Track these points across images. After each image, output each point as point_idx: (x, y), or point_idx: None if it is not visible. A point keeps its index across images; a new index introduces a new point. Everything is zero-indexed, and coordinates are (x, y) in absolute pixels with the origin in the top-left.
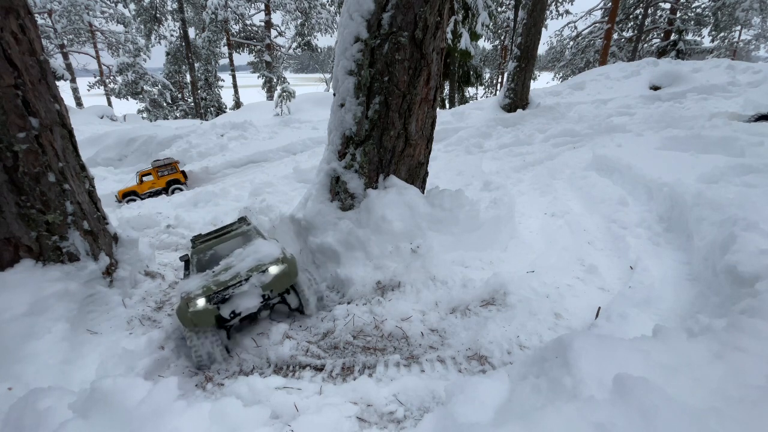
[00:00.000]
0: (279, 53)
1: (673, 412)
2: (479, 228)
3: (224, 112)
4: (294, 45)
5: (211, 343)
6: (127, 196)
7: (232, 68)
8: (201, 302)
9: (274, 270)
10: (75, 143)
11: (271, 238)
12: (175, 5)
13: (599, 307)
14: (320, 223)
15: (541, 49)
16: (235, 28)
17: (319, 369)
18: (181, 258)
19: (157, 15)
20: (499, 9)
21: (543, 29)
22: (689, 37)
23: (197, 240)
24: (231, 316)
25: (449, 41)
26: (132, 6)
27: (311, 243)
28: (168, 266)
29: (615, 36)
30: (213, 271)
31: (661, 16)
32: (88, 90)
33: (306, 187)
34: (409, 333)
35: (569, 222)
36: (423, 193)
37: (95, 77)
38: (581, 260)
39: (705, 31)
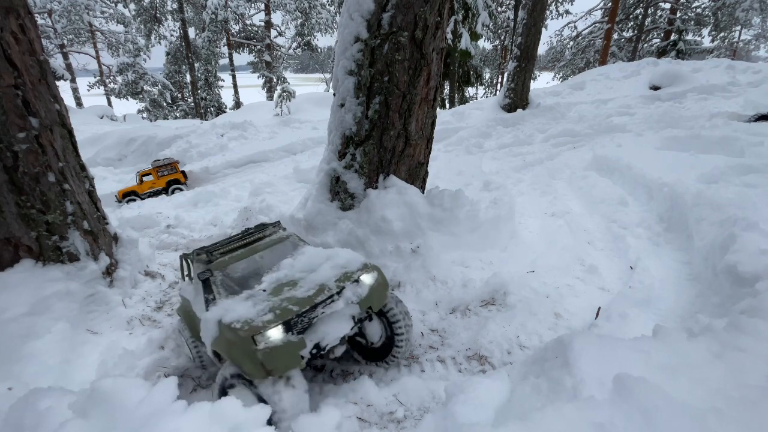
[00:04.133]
0: (279, 53)
1: (673, 412)
2: (479, 228)
3: (224, 112)
4: (294, 45)
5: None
6: (127, 196)
7: (232, 68)
8: (276, 334)
9: (367, 279)
10: (75, 143)
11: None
12: (175, 5)
13: (599, 307)
14: (320, 223)
15: (541, 49)
16: (235, 28)
17: (320, 369)
18: (199, 276)
19: (157, 15)
20: (499, 9)
21: (543, 29)
22: (689, 37)
23: (213, 251)
24: (312, 354)
25: (449, 41)
26: (132, 6)
27: (311, 243)
28: (168, 266)
29: (615, 36)
30: (264, 290)
31: (661, 16)
32: (88, 90)
33: (306, 187)
34: None
35: (569, 222)
36: (423, 193)
37: (95, 77)
38: (581, 260)
39: (705, 31)
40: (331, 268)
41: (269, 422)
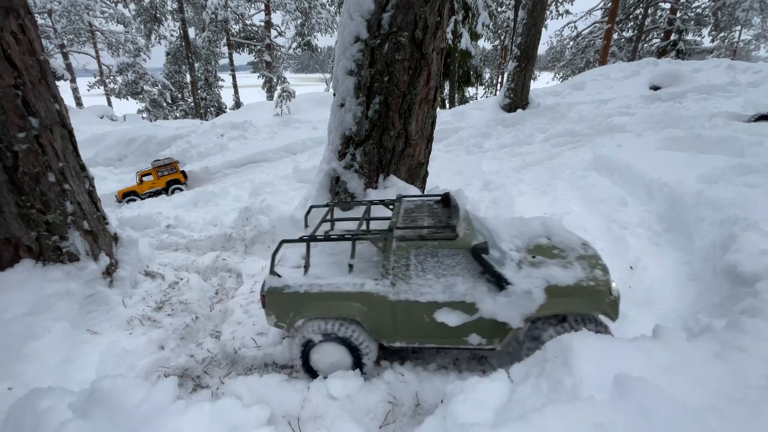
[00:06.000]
0: (279, 53)
1: (673, 412)
2: None
3: (224, 112)
4: (294, 45)
5: None
6: (127, 196)
7: (232, 68)
8: (615, 285)
9: None
10: (75, 143)
11: None
12: (175, 5)
13: None
14: None
15: (541, 49)
16: (235, 28)
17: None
18: (476, 248)
19: (157, 15)
20: (499, 9)
21: (543, 29)
22: (689, 37)
23: (452, 225)
24: None
25: (449, 41)
26: (132, 6)
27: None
28: (168, 266)
29: (615, 36)
30: (533, 257)
31: (661, 16)
32: (88, 90)
33: (306, 187)
34: None
35: (569, 222)
36: (423, 192)
37: (95, 77)
38: None
39: (705, 31)
40: (562, 232)
41: None
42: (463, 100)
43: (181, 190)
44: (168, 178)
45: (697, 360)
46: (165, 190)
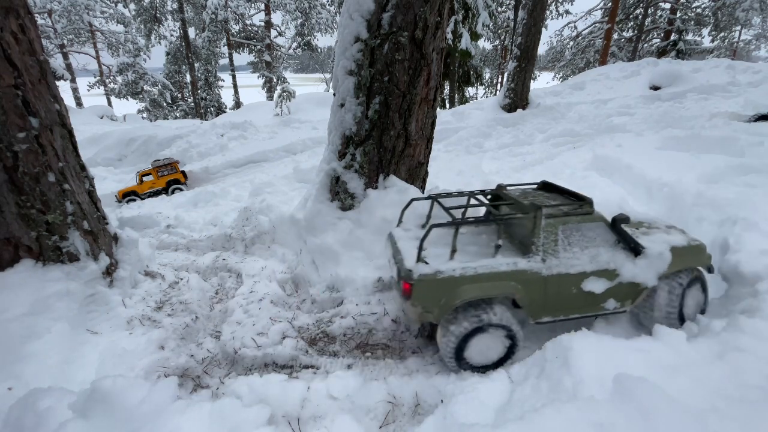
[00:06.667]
0: (279, 53)
1: (673, 411)
2: None
3: (224, 112)
4: (294, 45)
5: None
6: (127, 196)
7: (232, 68)
8: None
9: None
10: (75, 143)
11: None
12: (175, 5)
13: None
14: (320, 224)
15: (541, 49)
16: (235, 28)
17: (319, 368)
18: (617, 219)
19: (157, 15)
20: (499, 9)
21: (543, 29)
22: (689, 37)
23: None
24: None
25: (449, 41)
26: (132, 6)
27: (311, 243)
28: (168, 266)
29: (615, 36)
30: (636, 228)
31: (661, 16)
32: (88, 90)
33: (306, 187)
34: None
35: None
36: (423, 193)
37: (95, 77)
38: None
39: (705, 31)
40: (635, 210)
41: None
42: (463, 100)
43: (181, 190)
44: (168, 178)
45: (697, 360)
46: (165, 190)
